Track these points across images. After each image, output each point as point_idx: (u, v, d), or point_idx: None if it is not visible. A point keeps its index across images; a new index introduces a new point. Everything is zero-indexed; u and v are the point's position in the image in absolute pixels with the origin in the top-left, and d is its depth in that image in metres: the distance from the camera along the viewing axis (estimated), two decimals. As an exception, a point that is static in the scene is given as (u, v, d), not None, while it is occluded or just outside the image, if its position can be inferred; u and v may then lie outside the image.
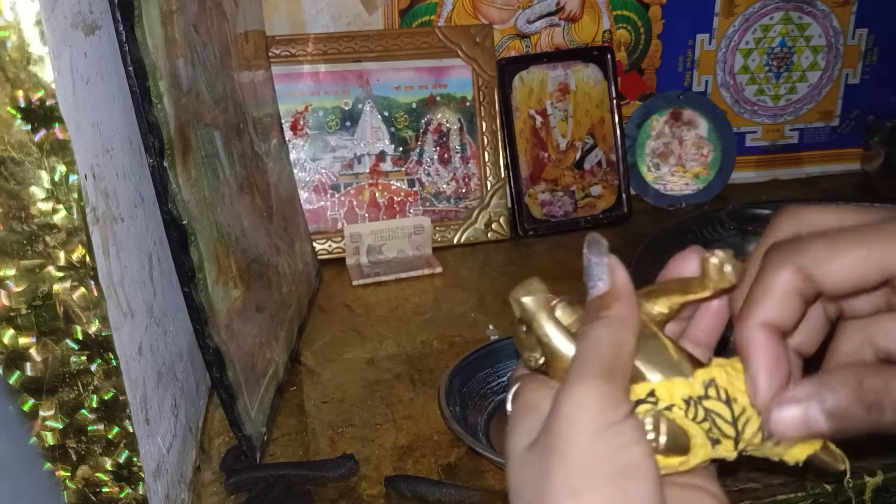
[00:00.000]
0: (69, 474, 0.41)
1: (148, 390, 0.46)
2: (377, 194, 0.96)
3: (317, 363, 0.72)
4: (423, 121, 0.97)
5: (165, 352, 0.52)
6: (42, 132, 0.36)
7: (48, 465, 0.40)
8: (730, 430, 0.30)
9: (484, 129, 0.98)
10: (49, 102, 0.36)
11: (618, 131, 1.04)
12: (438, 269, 0.90)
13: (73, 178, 0.37)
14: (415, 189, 0.97)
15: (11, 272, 0.37)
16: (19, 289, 0.38)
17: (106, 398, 0.41)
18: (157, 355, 0.50)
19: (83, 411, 0.40)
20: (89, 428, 0.41)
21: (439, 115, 0.97)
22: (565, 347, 0.30)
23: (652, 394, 0.30)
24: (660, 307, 0.32)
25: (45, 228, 0.37)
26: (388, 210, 0.96)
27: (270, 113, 0.83)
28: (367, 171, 0.95)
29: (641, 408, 0.29)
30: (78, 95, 0.40)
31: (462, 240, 0.97)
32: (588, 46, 1.05)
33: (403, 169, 0.96)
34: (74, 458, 0.41)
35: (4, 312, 0.38)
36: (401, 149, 0.96)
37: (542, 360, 0.31)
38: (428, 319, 0.79)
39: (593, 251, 0.31)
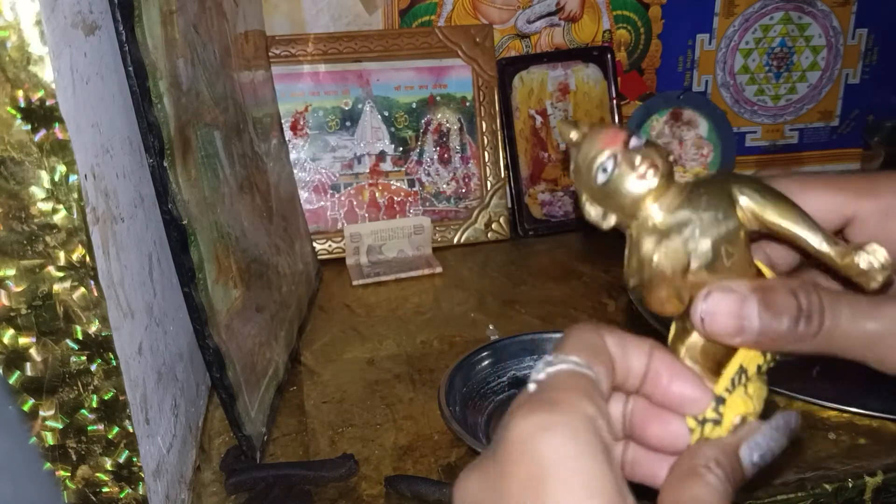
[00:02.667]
0: (69, 474, 0.41)
1: (148, 390, 0.46)
2: (377, 194, 0.96)
3: (317, 363, 0.72)
4: (423, 121, 0.97)
5: (165, 352, 0.52)
6: (42, 132, 0.36)
7: (48, 465, 0.40)
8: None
9: (484, 129, 0.98)
10: (49, 102, 0.36)
11: (618, 131, 1.03)
12: (438, 269, 0.90)
13: (73, 178, 0.37)
14: (415, 189, 0.97)
15: (11, 272, 0.37)
16: (19, 289, 0.38)
17: (106, 398, 0.41)
18: (157, 355, 0.50)
19: (83, 411, 0.40)
20: (89, 428, 0.41)
21: (439, 115, 0.97)
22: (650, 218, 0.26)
23: (742, 369, 0.28)
24: (761, 217, 0.27)
25: (45, 228, 0.37)
26: (388, 210, 0.96)
27: (270, 113, 0.83)
28: (367, 171, 0.95)
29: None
30: (78, 95, 0.40)
31: (462, 240, 0.97)
32: (588, 46, 1.05)
33: (403, 169, 0.96)
34: (74, 458, 0.41)
35: (4, 312, 0.38)
36: (401, 149, 0.96)
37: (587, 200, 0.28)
38: (428, 319, 0.79)
39: (783, 435, 0.28)
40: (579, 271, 0.89)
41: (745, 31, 1.11)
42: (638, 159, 0.27)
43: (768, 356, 0.29)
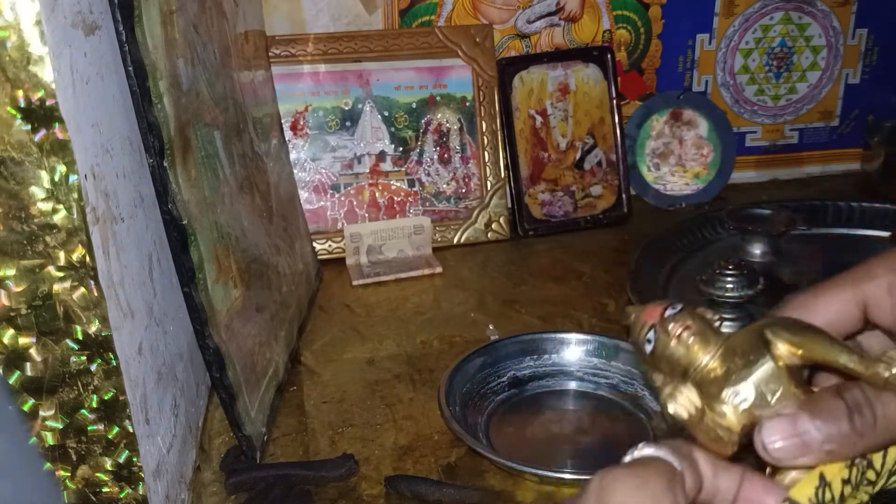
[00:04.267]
0: (69, 474, 0.41)
1: (148, 390, 0.46)
2: (377, 194, 0.96)
3: (317, 363, 0.72)
4: (423, 121, 0.97)
5: (165, 352, 0.52)
6: (42, 132, 0.36)
7: (48, 465, 0.40)
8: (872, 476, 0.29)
9: (484, 129, 0.98)
10: (49, 102, 0.36)
11: (618, 131, 1.03)
12: (438, 269, 0.90)
13: (73, 178, 0.37)
14: (415, 189, 0.97)
15: (11, 272, 0.37)
16: (19, 289, 0.38)
17: (106, 398, 0.41)
18: (157, 355, 0.50)
19: (83, 411, 0.40)
20: (89, 428, 0.41)
21: (439, 115, 0.97)
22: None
23: (822, 478, 0.28)
24: (795, 352, 0.29)
25: (45, 228, 0.37)
26: (388, 210, 0.96)
27: (270, 113, 0.83)
28: (367, 171, 0.95)
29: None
30: (78, 95, 0.40)
31: (462, 240, 0.97)
32: (588, 46, 1.05)
33: (403, 169, 0.96)
34: (74, 458, 0.41)
35: (4, 312, 0.38)
36: (401, 149, 0.96)
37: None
38: (428, 319, 0.79)
39: None
40: (579, 271, 0.89)
41: (745, 31, 1.11)
42: (671, 325, 0.30)
43: (853, 470, 0.29)
